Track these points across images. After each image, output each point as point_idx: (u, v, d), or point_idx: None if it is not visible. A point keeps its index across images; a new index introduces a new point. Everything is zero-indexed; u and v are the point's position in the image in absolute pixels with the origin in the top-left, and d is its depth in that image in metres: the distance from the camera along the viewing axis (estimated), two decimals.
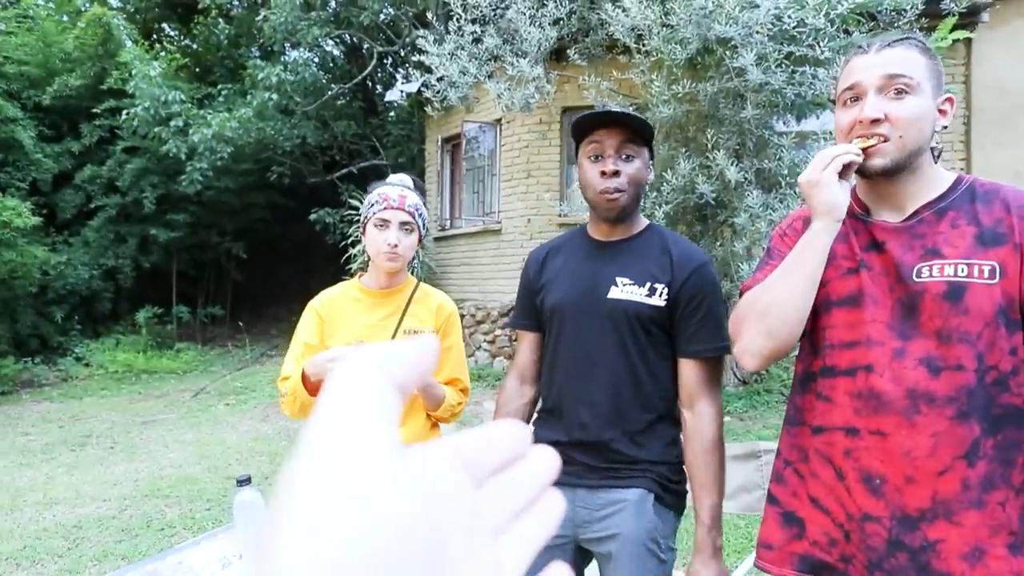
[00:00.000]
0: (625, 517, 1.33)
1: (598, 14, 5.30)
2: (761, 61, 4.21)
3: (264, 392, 7.10)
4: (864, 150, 1.07)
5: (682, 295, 1.36)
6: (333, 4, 9.94)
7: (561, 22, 5.51)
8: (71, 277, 9.34)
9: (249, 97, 9.26)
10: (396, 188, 1.64)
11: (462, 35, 5.66)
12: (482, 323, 7.56)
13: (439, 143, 8.88)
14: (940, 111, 1.09)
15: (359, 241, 1.68)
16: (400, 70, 11.84)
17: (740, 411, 5.24)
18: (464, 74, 5.57)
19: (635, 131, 1.37)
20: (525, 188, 7.42)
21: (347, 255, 7.77)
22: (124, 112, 8.88)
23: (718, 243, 4.85)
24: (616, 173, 1.36)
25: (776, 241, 1.27)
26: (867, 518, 1.06)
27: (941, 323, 1.02)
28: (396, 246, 1.59)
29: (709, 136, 4.59)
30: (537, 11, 5.34)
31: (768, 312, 1.11)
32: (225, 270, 11.95)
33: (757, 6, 4.11)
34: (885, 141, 1.06)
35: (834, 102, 1.19)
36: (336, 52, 12.08)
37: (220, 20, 11.22)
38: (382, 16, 9.92)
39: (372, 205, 1.62)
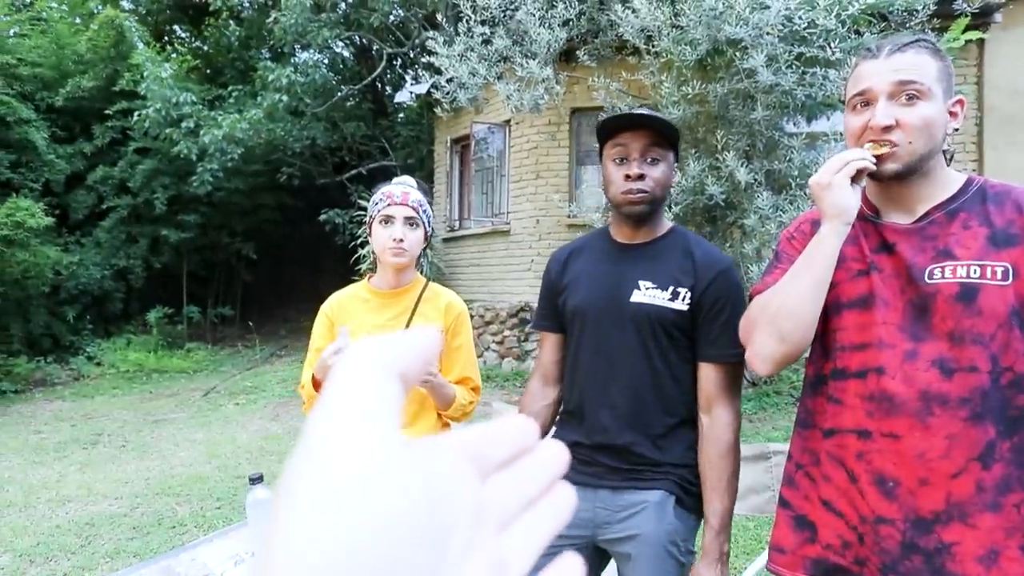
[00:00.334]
0: (646, 518, 1.33)
1: (608, 15, 5.29)
2: (771, 62, 4.19)
3: (274, 392, 7.14)
4: (876, 156, 1.07)
5: (705, 299, 1.35)
6: (343, 6, 9.96)
7: (571, 23, 5.50)
8: (83, 277, 9.42)
9: (259, 98, 9.30)
10: (399, 186, 1.66)
11: (472, 36, 5.68)
12: (491, 324, 7.57)
13: (448, 144, 8.89)
14: (951, 113, 1.09)
15: (368, 242, 1.69)
16: (409, 71, 11.88)
17: (749, 413, 5.22)
18: (473, 75, 5.58)
19: (661, 134, 1.36)
20: (534, 189, 7.41)
21: (356, 256, 7.79)
22: (136, 113, 8.94)
23: (727, 244, 4.83)
24: (641, 176, 1.35)
25: (784, 245, 1.27)
26: (881, 521, 1.05)
27: (954, 325, 1.02)
28: (402, 240, 1.60)
29: (719, 137, 4.57)
30: (547, 12, 5.34)
31: (779, 316, 1.11)
32: (235, 270, 12.03)
33: (767, 7, 4.09)
34: (896, 147, 1.06)
35: (844, 103, 1.18)
36: (346, 54, 12.11)
37: (231, 22, 11.26)
38: (392, 18, 9.94)
39: (376, 204, 1.65)
